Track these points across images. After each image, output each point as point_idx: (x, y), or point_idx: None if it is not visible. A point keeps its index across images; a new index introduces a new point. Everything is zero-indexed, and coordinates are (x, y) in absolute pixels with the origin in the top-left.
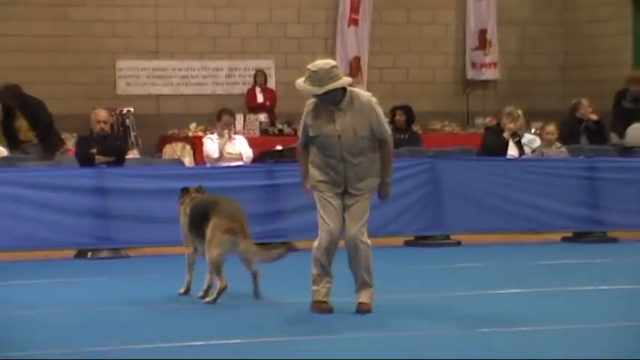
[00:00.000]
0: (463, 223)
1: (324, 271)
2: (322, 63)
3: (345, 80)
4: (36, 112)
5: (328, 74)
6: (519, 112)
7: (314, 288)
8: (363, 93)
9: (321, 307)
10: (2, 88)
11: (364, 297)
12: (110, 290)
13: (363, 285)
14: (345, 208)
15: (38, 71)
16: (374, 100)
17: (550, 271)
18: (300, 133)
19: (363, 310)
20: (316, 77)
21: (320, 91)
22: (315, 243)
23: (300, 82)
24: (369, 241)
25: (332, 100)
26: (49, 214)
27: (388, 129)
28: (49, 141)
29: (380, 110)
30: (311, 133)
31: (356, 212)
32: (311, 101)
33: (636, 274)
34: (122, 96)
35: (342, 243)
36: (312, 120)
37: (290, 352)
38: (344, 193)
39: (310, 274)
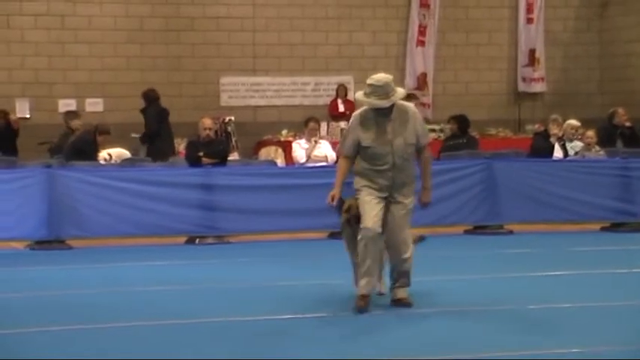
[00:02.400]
0: (515, 214)
1: (367, 267)
2: (384, 77)
3: (402, 91)
4: (147, 121)
5: (390, 87)
6: (576, 122)
7: (357, 281)
8: (406, 103)
9: (357, 303)
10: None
11: (404, 294)
12: (216, 271)
13: (403, 284)
14: (390, 213)
15: (156, 86)
16: (416, 109)
17: (591, 256)
18: (344, 144)
19: (405, 304)
20: (382, 91)
21: (388, 103)
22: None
23: (361, 95)
24: (412, 246)
25: (387, 111)
26: (164, 206)
27: (429, 136)
28: (151, 148)
29: (422, 119)
30: (363, 144)
31: (402, 219)
32: (358, 113)
33: None
34: (225, 107)
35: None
36: (363, 132)
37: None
38: (388, 199)
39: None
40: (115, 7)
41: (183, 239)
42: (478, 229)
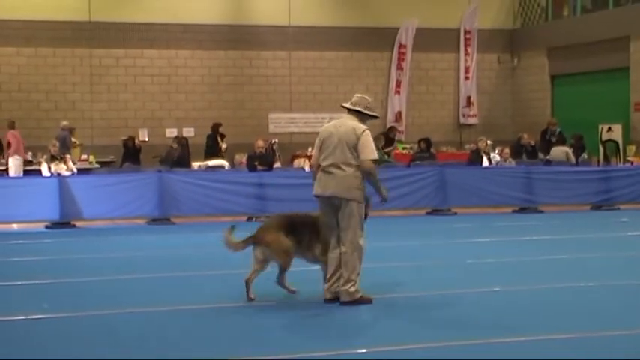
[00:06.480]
0: (458, 202)
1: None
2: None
3: None
4: (208, 142)
5: None
6: (487, 141)
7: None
8: None
9: (367, 298)
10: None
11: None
12: None
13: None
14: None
15: (226, 120)
16: None
17: (506, 228)
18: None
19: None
20: (373, 106)
21: (377, 114)
22: (362, 241)
23: (369, 110)
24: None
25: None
26: (232, 196)
27: None
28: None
29: None
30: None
31: None
32: (332, 125)
33: (552, 231)
34: (272, 133)
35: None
36: None
37: None
38: None
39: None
40: (202, 69)
41: (244, 217)
42: (435, 212)
